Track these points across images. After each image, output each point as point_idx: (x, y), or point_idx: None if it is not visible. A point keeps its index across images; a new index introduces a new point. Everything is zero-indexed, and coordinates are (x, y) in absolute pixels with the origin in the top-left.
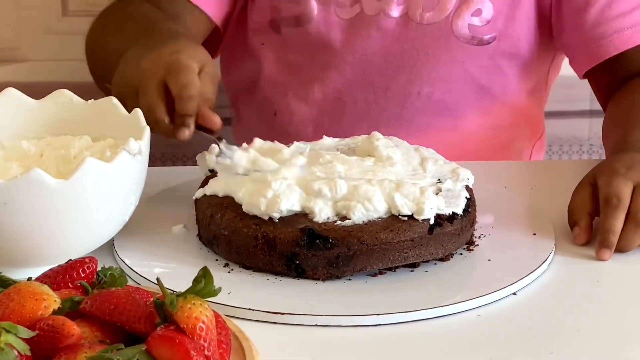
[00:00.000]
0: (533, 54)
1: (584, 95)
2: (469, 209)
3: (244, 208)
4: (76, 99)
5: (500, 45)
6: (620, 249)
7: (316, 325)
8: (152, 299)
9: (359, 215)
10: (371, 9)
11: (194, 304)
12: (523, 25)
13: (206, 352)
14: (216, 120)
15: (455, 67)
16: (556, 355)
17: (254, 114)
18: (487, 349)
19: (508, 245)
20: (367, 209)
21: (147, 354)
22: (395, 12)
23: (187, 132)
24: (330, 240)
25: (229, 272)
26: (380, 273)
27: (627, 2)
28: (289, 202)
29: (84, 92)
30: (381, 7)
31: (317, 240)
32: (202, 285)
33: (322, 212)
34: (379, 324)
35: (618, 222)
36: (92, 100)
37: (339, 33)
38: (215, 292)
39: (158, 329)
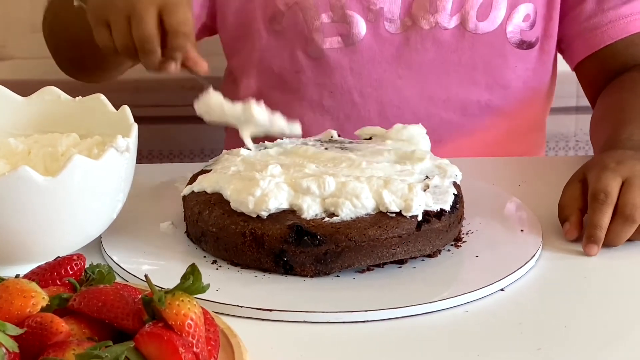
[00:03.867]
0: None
1: (570, 91)
2: (457, 206)
3: (232, 205)
4: (64, 96)
5: (543, 46)
6: (608, 243)
7: (304, 321)
8: (140, 296)
9: (347, 212)
10: (425, 22)
11: (182, 300)
12: (556, 23)
13: (194, 349)
14: (203, 65)
15: (508, 72)
16: (544, 350)
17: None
18: (475, 345)
19: (495, 242)
20: (355, 205)
21: (135, 350)
22: (451, 23)
23: (174, 67)
24: (318, 236)
25: (217, 268)
26: (368, 269)
27: None
28: (277, 201)
29: (72, 90)
30: (436, 20)
31: (305, 237)
32: (191, 282)
33: (310, 209)
34: (367, 320)
35: (605, 217)
36: (80, 97)
37: (391, 48)
38: (203, 289)
39: (146, 325)
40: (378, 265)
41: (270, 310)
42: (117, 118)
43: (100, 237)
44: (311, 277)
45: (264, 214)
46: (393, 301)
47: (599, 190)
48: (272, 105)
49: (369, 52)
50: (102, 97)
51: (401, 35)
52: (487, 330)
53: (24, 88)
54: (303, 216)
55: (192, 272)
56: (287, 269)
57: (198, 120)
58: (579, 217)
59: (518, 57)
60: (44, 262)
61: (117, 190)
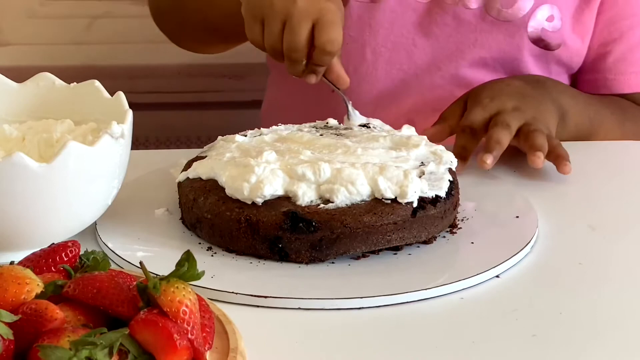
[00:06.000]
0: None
1: None
2: (452, 192)
3: (227, 192)
4: (58, 82)
5: (561, 54)
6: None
7: (299, 308)
8: (135, 283)
9: (342, 198)
10: None
11: (177, 287)
12: (580, 40)
13: (190, 336)
14: (346, 80)
15: (521, 66)
16: (539, 337)
17: (300, 95)
18: (470, 332)
19: (491, 228)
20: (351, 192)
21: (130, 337)
22: (474, 4)
23: (314, 79)
24: (314, 223)
25: (212, 255)
26: (364, 256)
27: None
28: (272, 187)
29: (69, 76)
30: None
31: (301, 224)
32: (185, 269)
33: (306, 196)
34: (363, 307)
35: (471, 145)
36: (74, 83)
37: (413, 15)
38: (198, 276)
39: (141, 312)
40: (373, 252)
41: (266, 297)
42: (112, 104)
43: (95, 223)
44: (306, 263)
45: (259, 201)
46: (388, 288)
47: (465, 125)
48: None
49: (391, 14)
50: (97, 83)
51: (425, 5)
52: (482, 317)
53: (20, 74)
54: (298, 203)
55: (187, 258)
56: (282, 255)
57: (193, 106)
58: (447, 129)
59: (532, 54)
60: (39, 249)
61: (111, 177)
